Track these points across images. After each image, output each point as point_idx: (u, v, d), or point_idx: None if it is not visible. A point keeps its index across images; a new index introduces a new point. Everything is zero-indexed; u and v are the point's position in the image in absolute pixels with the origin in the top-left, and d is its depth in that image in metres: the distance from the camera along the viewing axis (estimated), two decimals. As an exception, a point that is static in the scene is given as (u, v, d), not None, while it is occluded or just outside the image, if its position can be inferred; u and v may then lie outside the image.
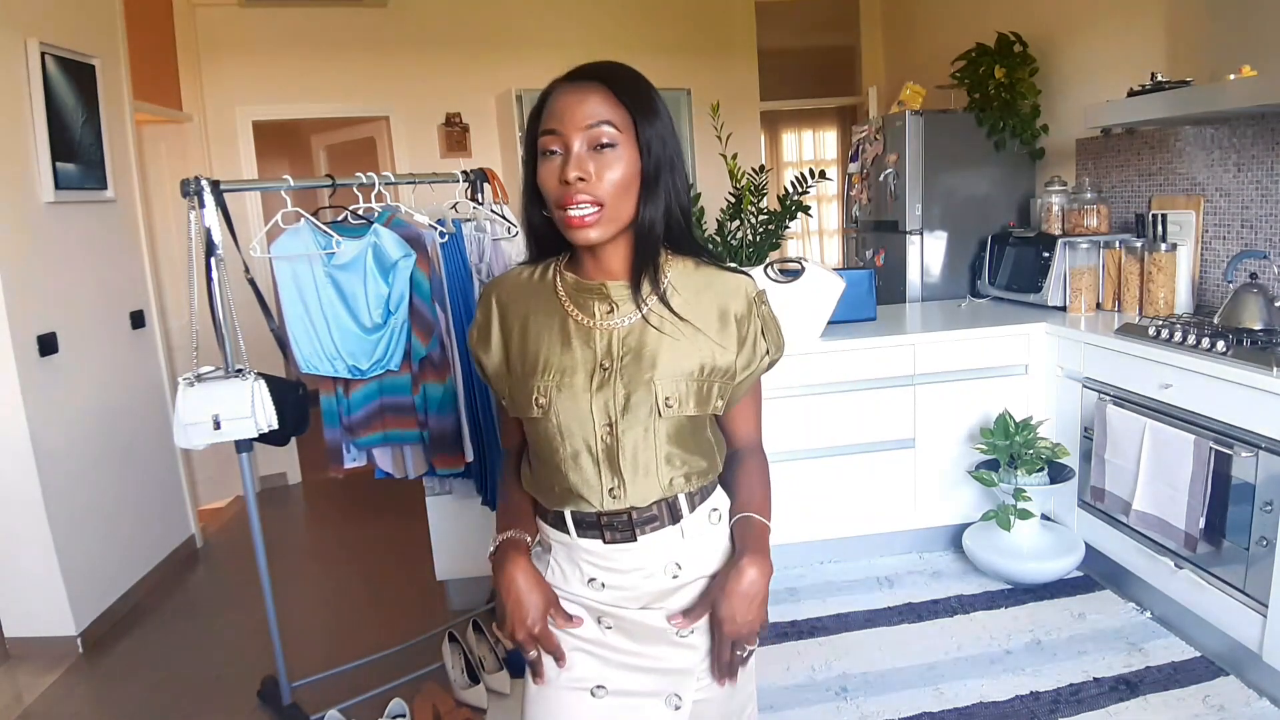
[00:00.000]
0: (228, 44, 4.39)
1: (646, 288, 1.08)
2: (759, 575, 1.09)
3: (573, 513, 1.12)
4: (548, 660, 1.16)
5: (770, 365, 1.17)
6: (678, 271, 1.12)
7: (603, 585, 1.13)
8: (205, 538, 3.81)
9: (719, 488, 1.19)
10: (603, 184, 1.00)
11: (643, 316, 1.08)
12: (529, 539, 1.17)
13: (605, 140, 1.00)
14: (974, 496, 3.08)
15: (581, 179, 1.00)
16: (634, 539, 1.10)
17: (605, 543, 1.12)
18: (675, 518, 1.11)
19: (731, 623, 1.09)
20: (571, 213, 1.01)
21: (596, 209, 1.01)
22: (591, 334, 1.09)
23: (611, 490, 1.08)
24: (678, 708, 1.13)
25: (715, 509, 1.16)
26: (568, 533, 1.14)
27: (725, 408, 1.14)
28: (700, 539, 1.14)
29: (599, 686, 1.15)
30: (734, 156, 3.22)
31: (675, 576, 1.12)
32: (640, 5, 5.02)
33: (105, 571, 3.05)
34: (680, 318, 1.08)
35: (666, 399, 1.06)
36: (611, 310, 1.09)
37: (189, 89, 4.25)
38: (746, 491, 1.18)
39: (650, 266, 1.08)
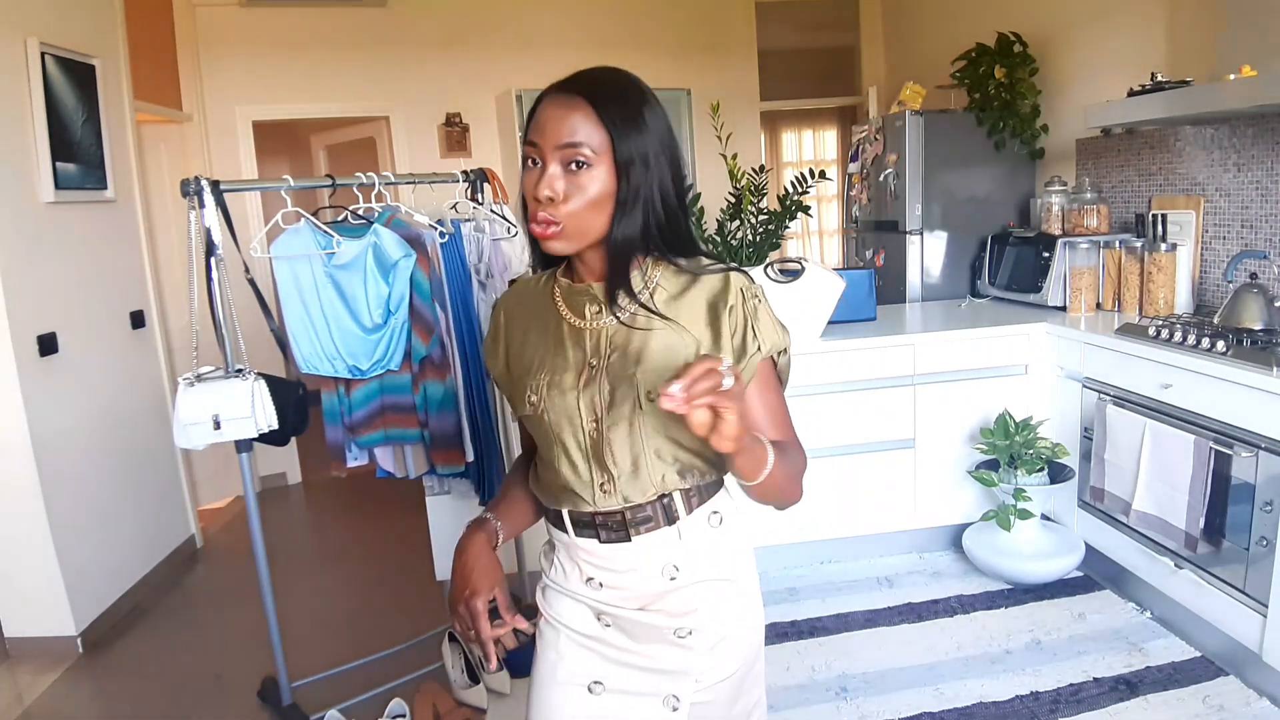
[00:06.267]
0: (228, 44, 4.39)
1: (624, 298, 1.08)
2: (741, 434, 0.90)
3: (570, 512, 1.13)
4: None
5: (769, 358, 1.13)
6: (665, 271, 1.12)
7: (600, 585, 1.14)
8: (205, 538, 3.81)
9: (723, 492, 1.17)
10: (570, 204, 1.02)
11: (629, 316, 1.09)
12: (499, 524, 1.19)
13: (579, 159, 1.01)
14: (974, 496, 3.08)
15: (551, 198, 1.02)
16: (628, 539, 1.11)
17: (601, 542, 1.12)
18: (671, 519, 1.11)
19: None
20: (536, 228, 1.04)
21: (561, 226, 1.03)
22: (583, 334, 1.11)
23: (602, 485, 1.09)
24: (675, 709, 1.12)
25: (715, 511, 1.15)
26: (566, 532, 1.15)
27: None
28: (699, 541, 1.13)
29: (596, 682, 1.15)
30: (734, 156, 3.22)
31: (673, 579, 1.12)
32: (640, 5, 5.01)
33: (105, 571, 3.05)
34: (664, 316, 1.08)
35: (649, 392, 1.06)
36: (600, 311, 1.11)
37: (189, 89, 4.25)
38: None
39: (622, 281, 1.08)
